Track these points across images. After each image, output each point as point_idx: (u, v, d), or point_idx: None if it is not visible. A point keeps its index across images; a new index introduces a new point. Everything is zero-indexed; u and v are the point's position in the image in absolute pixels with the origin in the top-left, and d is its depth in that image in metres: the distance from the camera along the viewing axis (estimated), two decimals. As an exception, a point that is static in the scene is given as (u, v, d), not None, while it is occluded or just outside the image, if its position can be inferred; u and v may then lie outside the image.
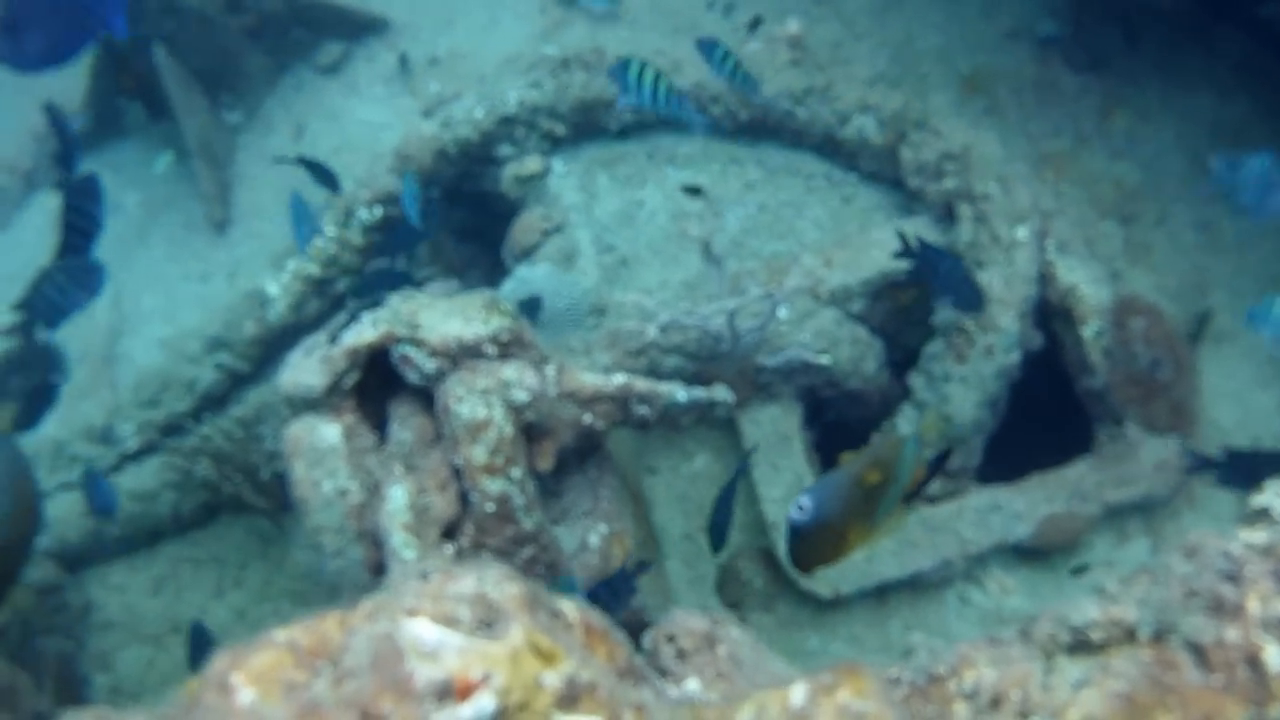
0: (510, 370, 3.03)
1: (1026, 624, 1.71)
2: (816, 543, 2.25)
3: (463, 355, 3.02)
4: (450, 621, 1.12)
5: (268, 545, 4.61)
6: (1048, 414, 4.22)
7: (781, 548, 3.79)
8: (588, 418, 3.22)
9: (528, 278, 4.30)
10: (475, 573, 1.21)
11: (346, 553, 3.08)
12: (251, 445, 4.55)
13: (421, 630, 1.09)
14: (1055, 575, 4.00)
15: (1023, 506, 3.96)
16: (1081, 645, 1.63)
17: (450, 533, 3.03)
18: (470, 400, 2.96)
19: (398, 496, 2.98)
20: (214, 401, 4.77)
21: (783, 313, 4.08)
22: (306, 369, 3.15)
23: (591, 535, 3.33)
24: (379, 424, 3.23)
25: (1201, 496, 4.03)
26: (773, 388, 4.16)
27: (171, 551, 4.70)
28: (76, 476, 4.64)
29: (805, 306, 4.12)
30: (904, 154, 4.31)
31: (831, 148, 4.53)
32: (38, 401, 4.76)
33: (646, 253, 4.44)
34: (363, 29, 5.64)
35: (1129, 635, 1.59)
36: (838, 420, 4.35)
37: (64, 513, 4.57)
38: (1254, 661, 1.46)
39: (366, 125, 5.35)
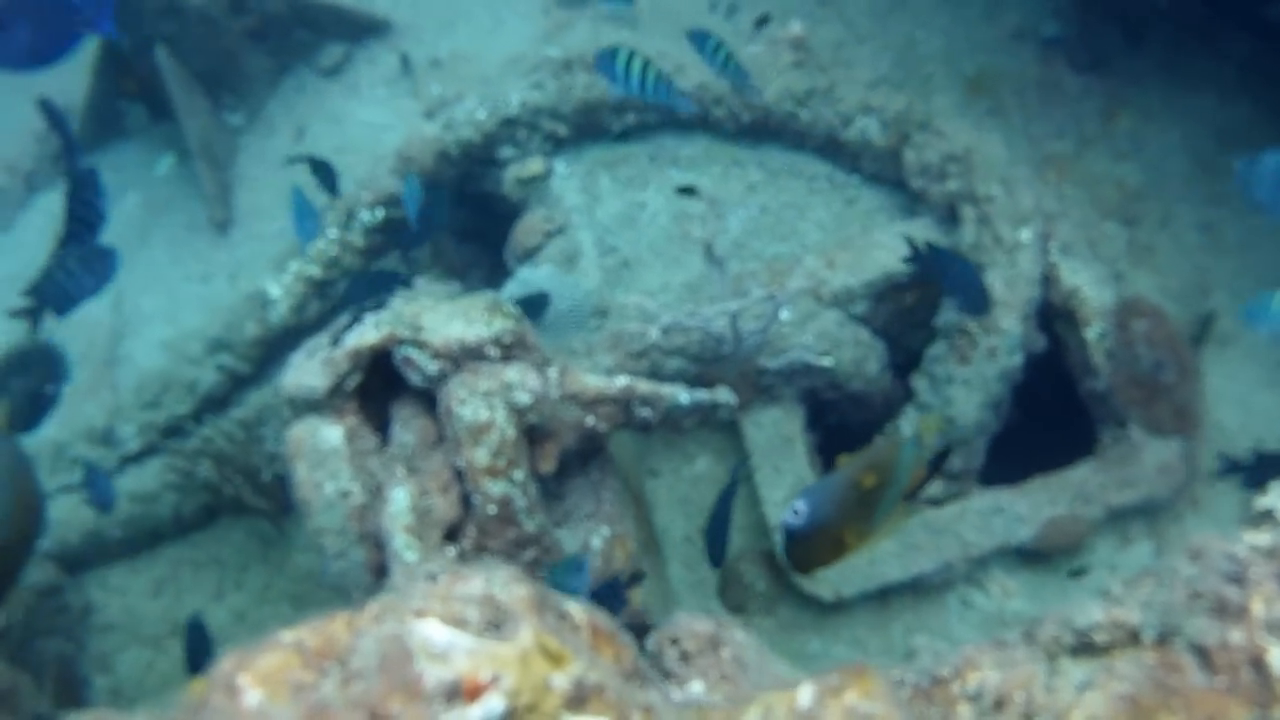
0: (513, 372, 3.02)
1: (1030, 626, 1.71)
2: (812, 546, 2.25)
3: (465, 357, 3.01)
4: (458, 623, 1.12)
5: (268, 547, 4.61)
6: (1050, 416, 4.22)
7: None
8: (590, 420, 3.22)
9: (530, 279, 4.30)
10: (483, 574, 1.21)
11: (348, 554, 3.07)
12: (253, 447, 4.55)
13: (431, 631, 1.08)
14: (1057, 578, 4.00)
15: (1025, 509, 3.96)
16: (1085, 647, 1.63)
17: (452, 535, 3.03)
18: (473, 402, 2.96)
19: (400, 498, 2.98)
20: (215, 403, 4.77)
21: (785, 315, 4.07)
22: (309, 371, 3.14)
23: (593, 538, 3.32)
24: (381, 426, 3.23)
25: (1205, 499, 4.02)
26: (775, 390, 4.16)
27: (172, 553, 4.70)
28: (77, 478, 4.64)
29: (807, 308, 4.12)
30: (907, 155, 4.31)
31: (834, 149, 4.52)
32: (36, 408, 4.76)
33: (648, 254, 4.43)
34: (365, 31, 5.64)
35: (1133, 637, 1.59)
36: (840, 422, 4.35)
37: (65, 514, 4.57)
38: (1258, 663, 1.46)
39: (368, 127, 5.35)
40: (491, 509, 2.97)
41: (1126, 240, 4.36)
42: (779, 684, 1.69)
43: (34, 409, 4.81)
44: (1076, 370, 4.17)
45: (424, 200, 4.14)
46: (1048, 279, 4.10)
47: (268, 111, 5.67)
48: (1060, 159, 4.50)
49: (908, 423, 4.07)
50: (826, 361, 4.08)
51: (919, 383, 4.11)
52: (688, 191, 4.39)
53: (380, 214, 4.73)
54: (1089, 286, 4.09)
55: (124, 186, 5.57)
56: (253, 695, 1.10)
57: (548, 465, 3.14)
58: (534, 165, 4.62)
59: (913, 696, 1.73)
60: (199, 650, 3.84)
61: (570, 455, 3.29)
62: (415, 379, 3.06)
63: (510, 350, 3.07)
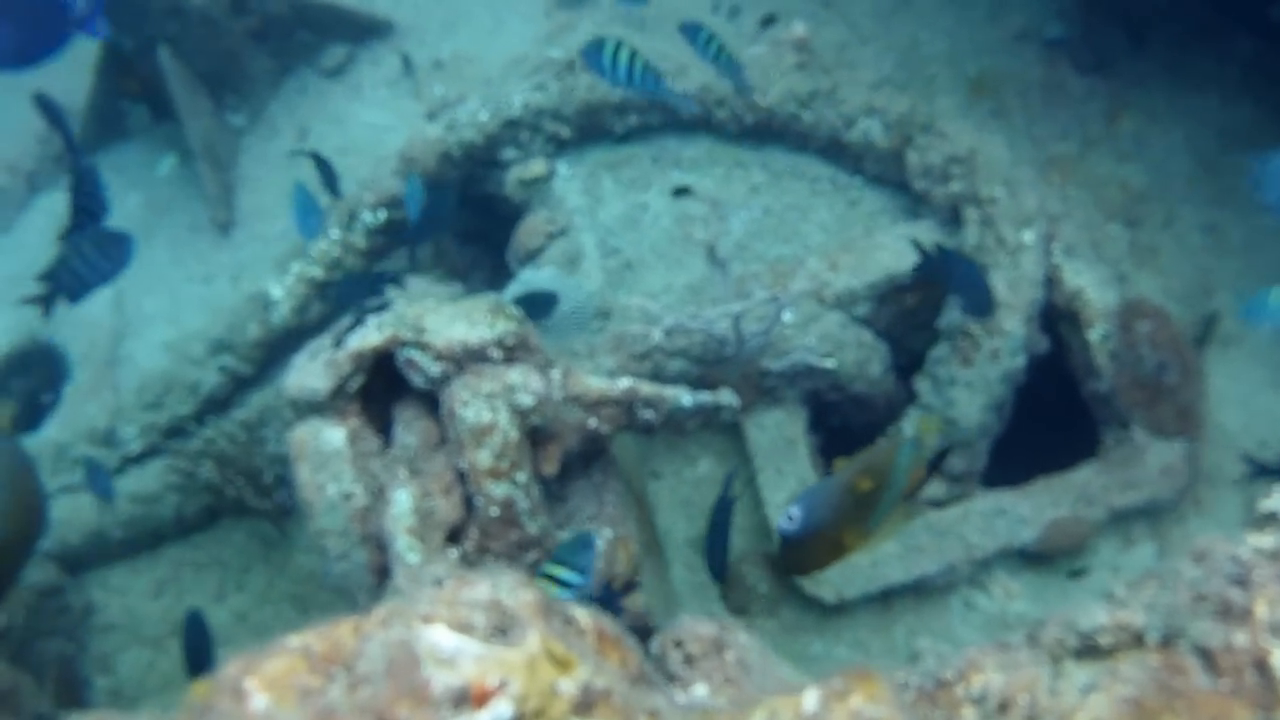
0: (515, 374, 3.02)
1: (1034, 629, 1.71)
2: (808, 550, 2.26)
3: (468, 359, 3.01)
4: (465, 628, 1.12)
5: (270, 549, 4.61)
6: (1053, 418, 4.21)
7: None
8: (593, 422, 3.21)
9: (532, 281, 4.29)
10: (489, 579, 1.20)
11: (350, 556, 3.07)
12: (254, 448, 4.54)
13: (439, 637, 1.08)
14: (1060, 580, 3.99)
15: (1028, 511, 3.95)
16: (1089, 650, 1.62)
17: (454, 537, 3.03)
18: (475, 404, 2.96)
19: (402, 500, 2.97)
20: (217, 404, 4.77)
21: (788, 316, 4.07)
22: (311, 372, 3.14)
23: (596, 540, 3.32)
24: (383, 428, 3.23)
25: (1208, 501, 4.02)
26: (777, 392, 4.16)
27: (173, 554, 4.70)
28: (78, 478, 4.64)
29: (810, 310, 4.11)
30: (910, 157, 4.31)
31: (837, 151, 4.52)
32: (34, 413, 4.76)
33: (651, 256, 4.43)
34: (367, 32, 5.65)
35: (1137, 640, 1.59)
36: (843, 424, 4.34)
37: (66, 515, 4.57)
38: (1262, 666, 1.46)
39: (370, 128, 5.35)
40: (494, 511, 2.96)
41: (1130, 241, 4.35)
42: (783, 687, 1.68)
43: (34, 411, 4.82)
44: (1079, 372, 4.16)
45: (429, 198, 4.14)
46: (1051, 280, 4.10)
47: (270, 112, 5.67)
48: (1063, 160, 4.50)
49: (910, 424, 4.07)
50: (829, 363, 4.08)
51: (921, 384, 4.11)
52: (683, 192, 4.39)
53: (383, 215, 4.73)
54: (1092, 288, 4.09)
55: (126, 187, 5.57)
56: (259, 700, 1.09)
57: (550, 467, 3.14)
58: (536, 167, 4.62)
59: (916, 699, 1.72)
60: (198, 646, 3.83)
61: (573, 457, 3.29)
62: (418, 381, 3.06)
63: (513, 352, 3.06)
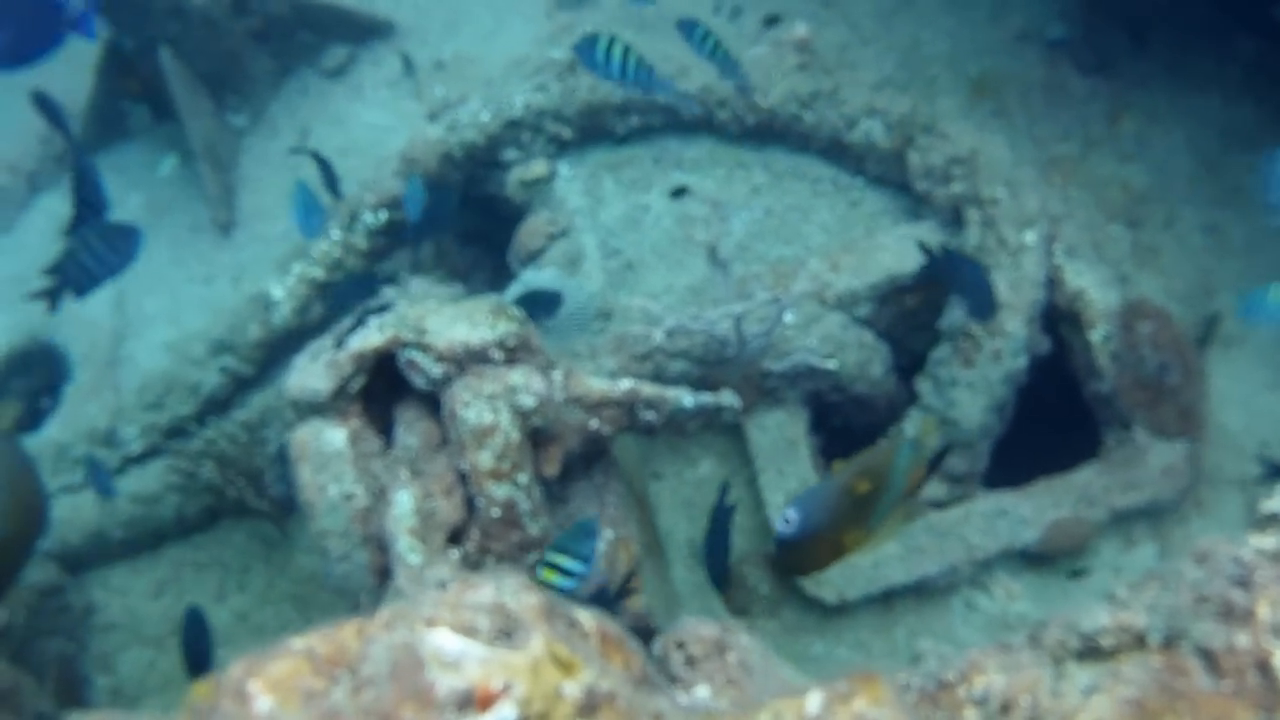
0: (517, 375, 3.02)
1: (1036, 630, 1.71)
2: (805, 553, 2.26)
3: (469, 360, 3.01)
4: (469, 631, 1.12)
5: (270, 549, 4.61)
6: (1055, 419, 4.21)
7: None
8: (594, 423, 3.21)
9: (533, 282, 4.29)
10: (493, 582, 1.20)
11: (352, 557, 3.07)
12: (255, 449, 4.54)
13: (443, 640, 1.08)
14: (1061, 581, 3.99)
15: (1029, 512, 3.95)
16: (1091, 651, 1.63)
17: (456, 538, 3.03)
18: (477, 405, 2.95)
19: (403, 501, 2.97)
20: (218, 405, 4.77)
21: (789, 317, 4.07)
22: (312, 373, 3.14)
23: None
24: (385, 428, 3.22)
25: (1209, 501, 4.02)
26: (779, 393, 4.16)
27: (174, 554, 4.70)
28: (79, 478, 4.65)
29: (811, 311, 4.11)
30: (911, 158, 4.30)
31: (838, 152, 4.52)
32: (35, 414, 4.76)
33: (652, 257, 4.43)
34: (368, 33, 5.65)
35: (1139, 641, 1.59)
36: (844, 425, 4.34)
37: (67, 515, 4.57)
38: (1264, 667, 1.46)
39: (372, 129, 5.35)
40: (495, 512, 2.96)
41: (1131, 242, 4.35)
42: (786, 689, 1.68)
43: (34, 412, 4.82)
44: (1081, 373, 4.16)
45: (431, 198, 4.14)
46: (1052, 281, 4.10)
47: (271, 113, 5.67)
48: (1065, 161, 4.49)
49: (912, 425, 4.07)
50: (830, 364, 4.08)
51: (923, 385, 4.11)
52: (680, 193, 4.38)
53: (384, 216, 4.74)
54: (1094, 289, 4.09)
55: (127, 187, 5.57)
56: (263, 702, 1.09)
57: (552, 468, 3.13)
58: (538, 168, 4.62)
59: (918, 701, 1.72)
60: (197, 642, 3.82)
61: (574, 458, 3.29)
62: (419, 382, 3.06)
63: (514, 353, 3.06)
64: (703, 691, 1.71)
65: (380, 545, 3.04)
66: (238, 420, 4.64)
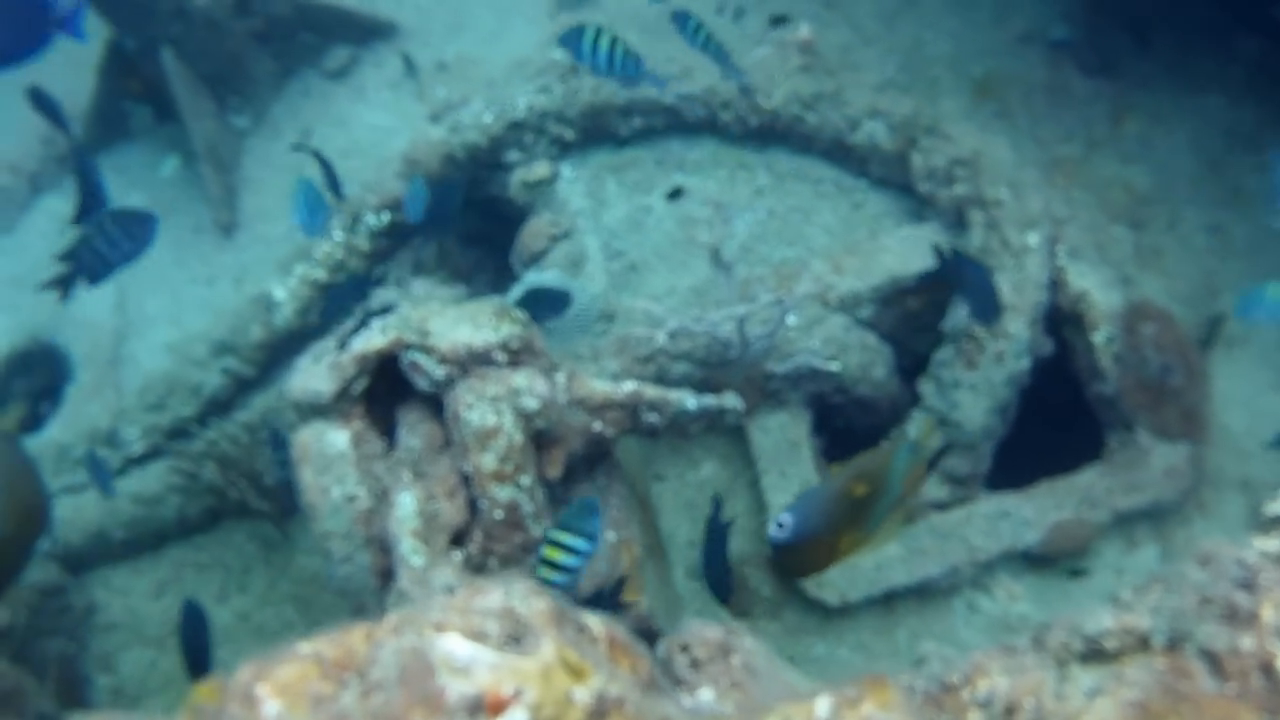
0: (520, 377, 3.01)
1: (1039, 632, 1.71)
2: (802, 556, 2.25)
3: (472, 362, 3.01)
4: (478, 636, 1.11)
5: (271, 550, 4.61)
6: (1058, 420, 4.21)
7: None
8: (597, 425, 3.21)
9: (536, 284, 4.29)
10: (502, 587, 1.20)
11: (354, 559, 3.07)
12: (257, 450, 4.54)
13: (453, 645, 1.08)
14: (1064, 582, 3.99)
15: (1032, 513, 3.95)
16: (1095, 653, 1.62)
17: (459, 540, 3.02)
18: (480, 407, 2.95)
19: (406, 503, 2.97)
20: (219, 406, 4.77)
21: (792, 319, 4.07)
22: (315, 375, 3.14)
23: (600, 542, 3.31)
24: (387, 430, 3.22)
25: (1212, 503, 4.01)
26: (781, 395, 4.15)
27: (175, 555, 4.70)
28: (81, 479, 4.64)
29: (814, 313, 4.11)
30: (914, 159, 4.30)
31: (841, 153, 4.52)
32: (36, 415, 4.75)
33: (655, 259, 4.43)
34: (370, 34, 5.64)
35: (1143, 643, 1.59)
36: (847, 427, 4.34)
37: (68, 515, 4.57)
38: (1268, 669, 1.46)
39: (374, 130, 5.35)
40: (498, 514, 2.96)
41: (1134, 243, 4.35)
42: (790, 692, 1.68)
43: (36, 414, 4.82)
44: (1084, 374, 4.16)
45: (434, 196, 4.13)
46: (1055, 283, 4.09)
47: (273, 114, 5.66)
48: (1068, 162, 4.49)
49: (915, 427, 4.06)
50: (833, 366, 4.07)
51: (926, 387, 4.10)
52: (676, 195, 4.37)
53: (386, 218, 4.73)
54: (1096, 290, 4.09)
55: (129, 188, 5.56)
56: (271, 706, 1.09)
57: (555, 470, 3.13)
58: (540, 169, 4.62)
59: (923, 703, 1.72)
60: (195, 637, 3.81)
61: (577, 460, 3.28)
62: (422, 384, 3.06)
63: (518, 355, 3.06)
64: (707, 694, 1.71)
65: (383, 547, 3.03)
66: (239, 421, 4.64)
